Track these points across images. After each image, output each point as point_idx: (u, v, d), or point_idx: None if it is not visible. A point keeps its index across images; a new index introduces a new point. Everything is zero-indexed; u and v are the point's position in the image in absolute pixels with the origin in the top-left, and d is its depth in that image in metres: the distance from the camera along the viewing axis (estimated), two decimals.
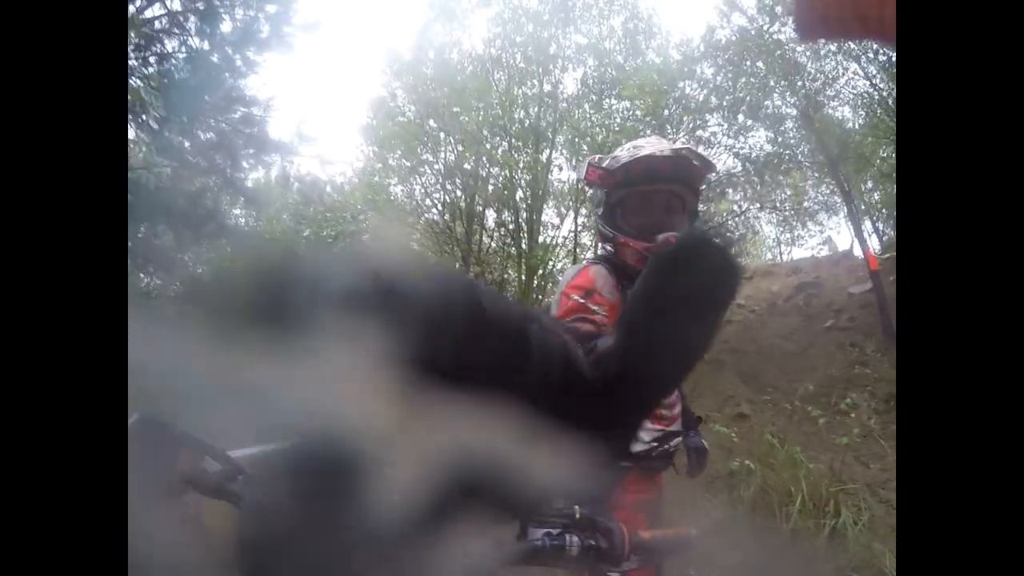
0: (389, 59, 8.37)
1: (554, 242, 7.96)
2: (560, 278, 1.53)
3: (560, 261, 7.77)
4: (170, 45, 4.14)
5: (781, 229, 7.62)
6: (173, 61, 4.18)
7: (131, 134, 3.92)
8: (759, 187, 6.98)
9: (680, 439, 1.55)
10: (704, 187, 1.66)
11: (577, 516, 0.65)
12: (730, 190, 7.07)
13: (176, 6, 4.08)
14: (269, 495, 0.35)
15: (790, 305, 6.59)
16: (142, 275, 4.44)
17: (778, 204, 7.29)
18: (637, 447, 1.44)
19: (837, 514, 3.00)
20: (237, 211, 6.66)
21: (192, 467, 0.46)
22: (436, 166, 8.29)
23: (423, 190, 8.47)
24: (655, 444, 1.45)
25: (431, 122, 7.97)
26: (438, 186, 8.35)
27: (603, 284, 1.39)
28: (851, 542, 2.82)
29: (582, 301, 1.34)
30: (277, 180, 6.15)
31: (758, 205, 7.38)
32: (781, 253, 7.76)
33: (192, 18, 4.17)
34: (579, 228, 7.75)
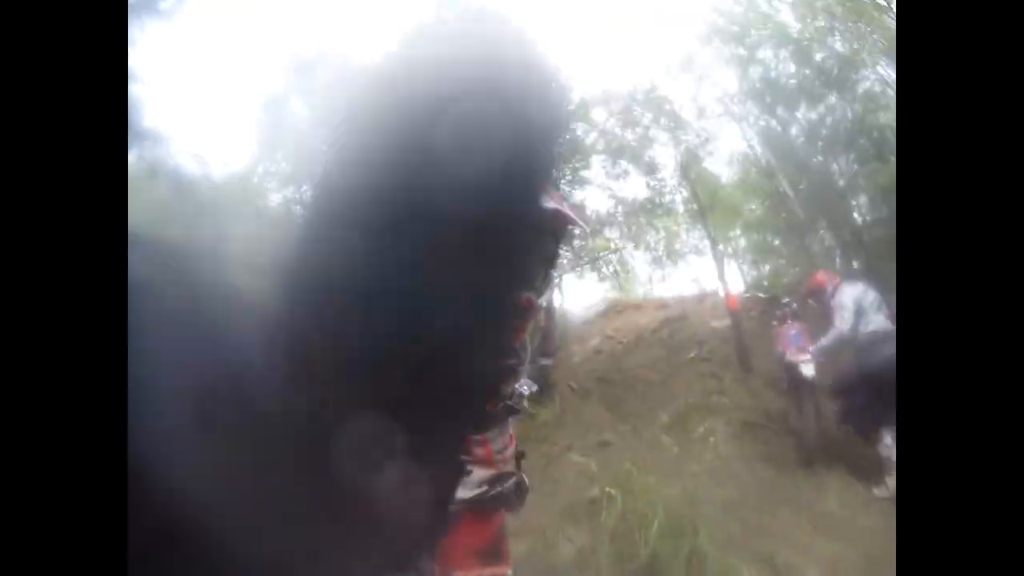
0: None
1: None
2: None
3: None
4: None
5: (653, 268, 8.25)
6: None
7: None
8: (634, 228, 7.50)
9: (514, 479, 1.54)
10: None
11: None
12: (606, 228, 7.51)
13: None
14: None
15: (656, 337, 7.05)
16: None
17: (651, 244, 7.87)
18: (467, 492, 1.41)
19: (696, 534, 3.23)
20: None
21: None
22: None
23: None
24: (486, 487, 1.43)
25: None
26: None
27: None
28: (710, 559, 3.05)
29: None
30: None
31: (632, 244, 7.90)
32: (652, 290, 8.36)
33: None
34: None
